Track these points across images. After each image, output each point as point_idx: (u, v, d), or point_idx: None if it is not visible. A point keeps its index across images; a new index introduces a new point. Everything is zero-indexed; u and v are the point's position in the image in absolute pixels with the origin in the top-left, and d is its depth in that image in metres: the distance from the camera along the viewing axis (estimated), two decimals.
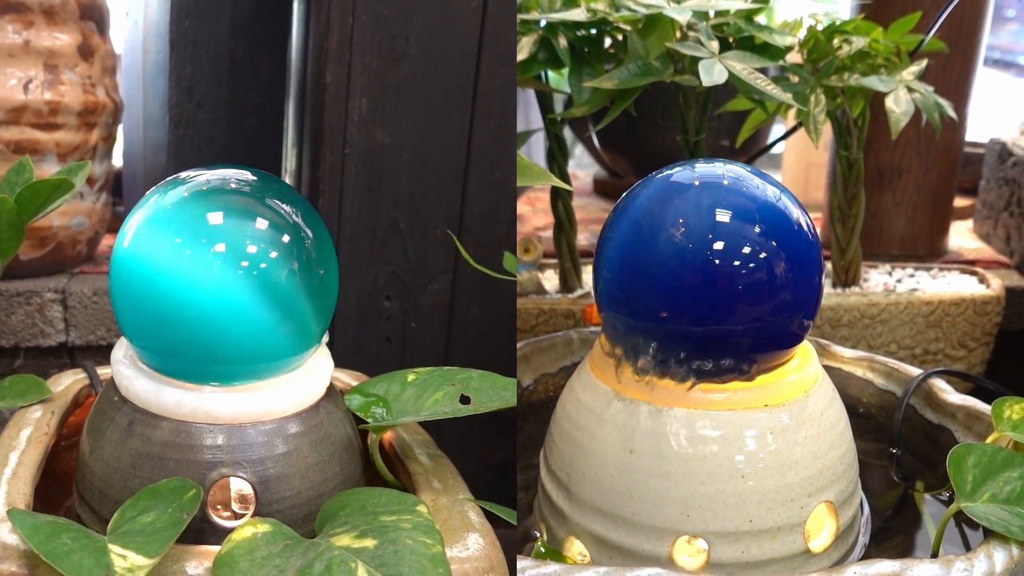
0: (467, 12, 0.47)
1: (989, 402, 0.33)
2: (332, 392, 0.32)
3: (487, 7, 0.47)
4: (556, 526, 0.31)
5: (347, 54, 0.46)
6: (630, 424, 0.29)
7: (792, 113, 0.52)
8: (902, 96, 0.46)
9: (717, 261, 0.28)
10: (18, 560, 0.25)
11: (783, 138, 0.58)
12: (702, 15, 0.42)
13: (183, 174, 0.31)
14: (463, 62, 0.47)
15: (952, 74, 0.60)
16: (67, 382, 0.37)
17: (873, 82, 0.46)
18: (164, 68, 0.57)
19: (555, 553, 0.31)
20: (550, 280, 0.55)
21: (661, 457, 0.29)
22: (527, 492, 0.36)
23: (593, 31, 0.45)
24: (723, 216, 0.29)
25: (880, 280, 0.55)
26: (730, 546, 0.28)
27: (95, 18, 0.55)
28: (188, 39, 0.56)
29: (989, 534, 0.28)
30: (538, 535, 0.33)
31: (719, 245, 0.28)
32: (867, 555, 0.32)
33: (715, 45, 0.40)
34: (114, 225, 0.59)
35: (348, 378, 0.39)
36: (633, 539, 0.29)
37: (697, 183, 0.30)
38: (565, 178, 0.51)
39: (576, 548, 0.30)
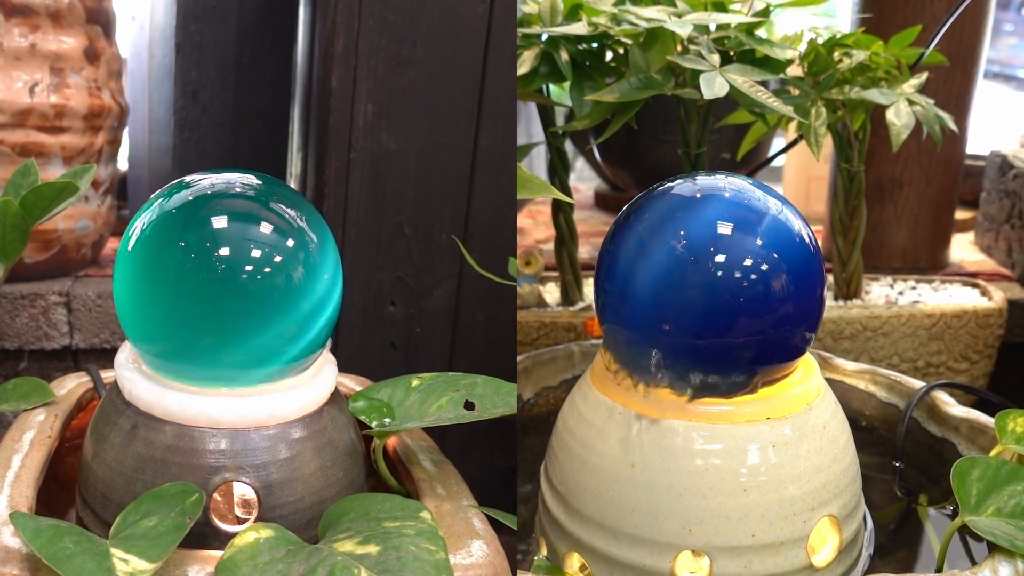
0: (473, 16, 0.47)
1: (992, 415, 0.33)
2: (336, 397, 0.32)
3: (493, 11, 0.47)
4: (557, 540, 0.31)
5: (353, 58, 0.46)
6: (632, 437, 0.29)
7: (793, 126, 0.52)
8: (903, 109, 0.46)
9: (719, 274, 0.28)
10: (20, 564, 0.25)
11: (784, 151, 0.58)
12: (703, 29, 0.43)
13: (188, 178, 0.31)
14: (469, 66, 0.48)
15: (952, 87, 0.61)
16: (70, 385, 0.37)
17: (874, 95, 0.46)
18: (170, 72, 0.57)
19: (555, 568, 0.31)
20: (551, 293, 0.55)
21: (663, 471, 0.29)
22: (527, 505, 0.35)
23: (594, 45, 0.46)
24: (724, 229, 0.29)
25: (882, 292, 0.55)
26: (732, 561, 0.28)
27: (101, 22, 0.55)
28: (194, 43, 0.57)
29: (994, 548, 0.28)
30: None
31: (721, 258, 0.28)
32: (870, 570, 0.32)
33: (716, 58, 0.40)
34: (119, 228, 0.60)
35: (352, 383, 0.39)
36: (635, 554, 0.29)
37: (698, 196, 0.30)
38: (566, 191, 0.51)
39: (576, 563, 0.30)
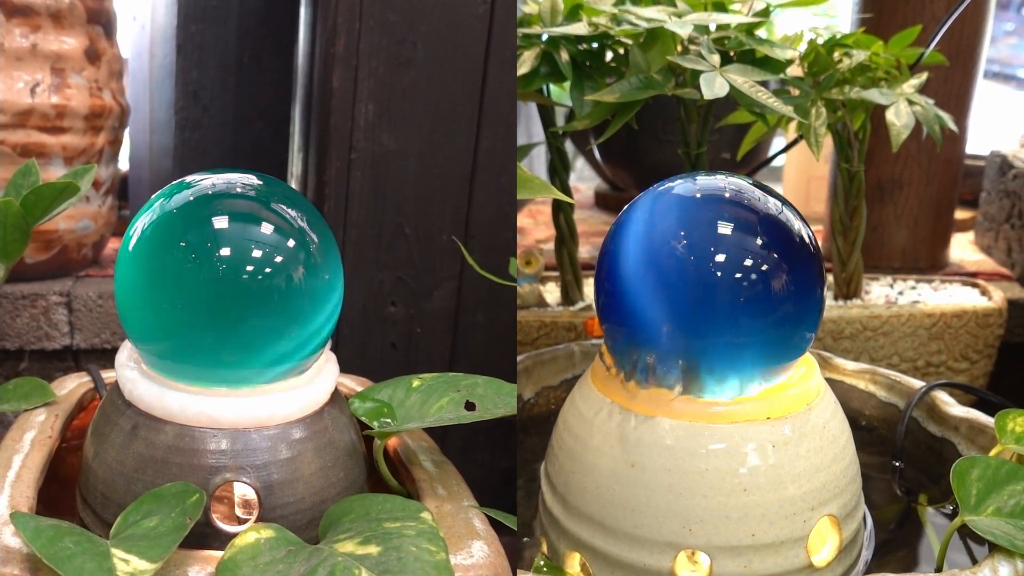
0: (474, 17, 0.47)
1: (992, 415, 0.33)
2: (337, 397, 0.32)
3: (494, 12, 0.47)
4: (557, 540, 0.31)
5: (354, 59, 0.46)
6: (632, 437, 0.29)
7: (793, 126, 0.52)
8: (903, 109, 0.46)
9: (719, 274, 0.28)
10: (21, 563, 0.25)
11: (784, 151, 0.58)
12: (703, 29, 0.43)
13: (189, 178, 0.31)
14: (470, 67, 0.48)
15: (952, 87, 0.61)
16: (71, 385, 0.37)
17: (874, 95, 0.46)
18: (171, 72, 0.57)
19: (555, 568, 0.31)
20: (552, 293, 0.55)
21: (663, 470, 0.29)
22: (528, 505, 0.36)
23: (595, 45, 0.46)
24: (725, 229, 0.29)
25: (882, 292, 0.55)
26: (732, 560, 0.28)
27: (102, 22, 0.55)
28: (195, 43, 0.57)
29: (994, 548, 0.28)
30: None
31: (721, 258, 0.28)
32: (870, 570, 0.32)
33: (716, 59, 0.40)
34: (119, 229, 0.59)
35: (353, 383, 0.39)
36: (635, 553, 0.29)
37: (699, 196, 0.30)
38: (566, 191, 0.51)
39: (577, 562, 0.30)
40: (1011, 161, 0.66)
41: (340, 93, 0.47)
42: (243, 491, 0.29)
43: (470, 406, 0.32)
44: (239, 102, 0.58)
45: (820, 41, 0.48)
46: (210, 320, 0.29)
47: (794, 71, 0.48)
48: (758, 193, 0.30)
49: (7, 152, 0.52)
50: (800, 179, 0.80)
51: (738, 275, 0.28)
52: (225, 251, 0.29)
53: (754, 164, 0.68)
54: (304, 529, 0.29)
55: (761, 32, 0.46)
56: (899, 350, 0.52)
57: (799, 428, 0.30)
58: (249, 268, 0.29)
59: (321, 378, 0.31)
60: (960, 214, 0.69)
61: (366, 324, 0.50)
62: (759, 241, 0.29)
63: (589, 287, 0.54)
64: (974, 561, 0.31)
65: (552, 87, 0.49)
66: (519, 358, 0.41)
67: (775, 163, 0.70)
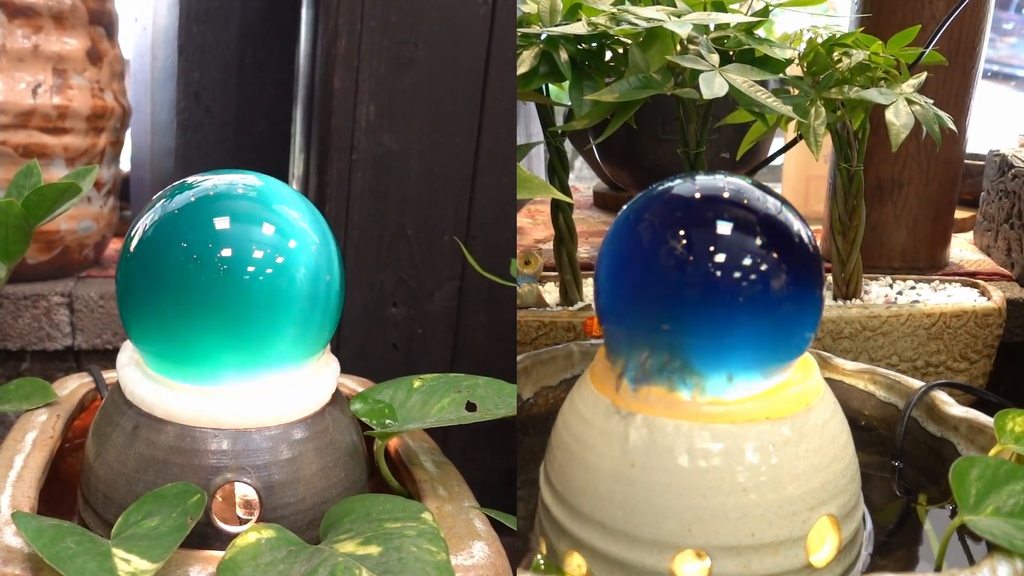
0: (475, 18, 0.47)
1: (991, 414, 0.34)
2: (338, 398, 0.32)
3: (495, 13, 0.47)
4: (556, 540, 0.31)
5: (355, 59, 0.47)
6: (631, 437, 0.29)
7: (792, 126, 0.52)
8: (902, 109, 0.46)
9: (718, 274, 0.28)
10: (22, 563, 0.25)
11: (783, 151, 0.58)
12: (702, 28, 0.43)
13: (190, 179, 0.31)
14: (471, 68, 0.48)
15: (951, 86, 0.61)
16: (72, 386, 0.37)
17: (873, 95, 0.46)
18: (172, 73, 0.57)
19: (555, 568, 0.31)
20: (551, 293, 0.55)
21: (662, 470, 0.29)
22: (528, 506, 0.36)
23: (594, 44, 0.46)
24: (724, 229, 0.29)
25: (881, 292, 0.55)
26: (732, 560, 0.28)
27: (104, 23, 0.55)
28: (196, 44, 0.57)
29: (993, 548, 0.28)
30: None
31: (720, 258, 0.28)
32: (870, 569, 0.32)
33: (715, 58, 0.40)
34: (121, 229, 0.60)
35: (354, 384, 0.39)
36: (634, 553, 0.29)
37: (698, 196, 0.30)
38: (565, 191, 0.51)
39: (576, 562, 0.31)
40: (1010, 161, 0.66)
41: (341, 94, 0.47)
42: (244, 491, 0.29)
43: (471, 407, 0.32)
44: (240, 103, 0.58)
45: (819, 41, 0.48)
46: (211, 321, 0.29)
47: (793, 71, 0.48)
48: (757, 193, 0.30)
49: (9, 153, 0.52)
50: (799, 179, 0.80)
51: (737, 275, 0.28)
52: (226, 252, 0.29)
53: (753, 164, 0.68)
54: (305, 529, 0.29)
55: (760, 31, 0.46)
56: (898, 350, 0.52)
57: (798, 428, 0.30)
58: (250, 269, 0.29)
59: (322, 379, 0.31)
60: (960, 214, 0.69)
61: (367, 325, 0.50)
62: (758, 241, 0.29)
63: (588, 287, 0.55)
64: (973, 561, 0.31)
65: (551, 87, 0.49)
66: (518, 358, 0.42)
67: (775, 163, 0.69)
